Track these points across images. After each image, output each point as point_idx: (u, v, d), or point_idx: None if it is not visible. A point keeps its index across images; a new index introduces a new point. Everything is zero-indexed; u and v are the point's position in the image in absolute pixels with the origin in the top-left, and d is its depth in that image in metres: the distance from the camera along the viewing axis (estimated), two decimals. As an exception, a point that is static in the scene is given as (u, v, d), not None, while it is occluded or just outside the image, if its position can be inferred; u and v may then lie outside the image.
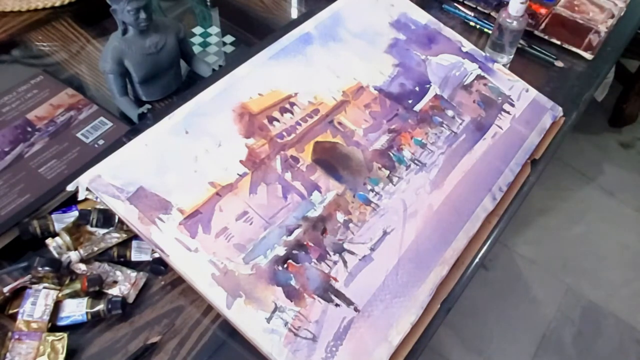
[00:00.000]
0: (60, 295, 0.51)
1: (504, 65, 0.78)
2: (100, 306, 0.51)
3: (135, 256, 0.56)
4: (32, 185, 0.58)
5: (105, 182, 0.51)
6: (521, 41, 0.81)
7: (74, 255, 0.53)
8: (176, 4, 0.88)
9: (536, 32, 0.85)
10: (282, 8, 0.88)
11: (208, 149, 0.56)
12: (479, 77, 0.72)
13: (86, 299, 0.51)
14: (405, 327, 0.51)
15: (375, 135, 0.63)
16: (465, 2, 0.89)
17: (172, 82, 0.72)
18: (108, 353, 0.50)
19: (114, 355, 0.50)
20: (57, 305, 0.51)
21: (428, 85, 0.69)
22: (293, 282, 0.51)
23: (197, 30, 0.83)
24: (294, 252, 0.52)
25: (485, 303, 1.42)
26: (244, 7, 0.87)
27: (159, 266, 0.55)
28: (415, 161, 0.62)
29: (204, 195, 0.53)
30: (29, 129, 0.64)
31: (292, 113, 0.62)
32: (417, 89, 0.68)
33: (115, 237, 0.55)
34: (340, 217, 0.56)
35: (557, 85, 0.79)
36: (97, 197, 0.51)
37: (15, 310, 0.50)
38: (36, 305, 0.50)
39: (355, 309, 0.51)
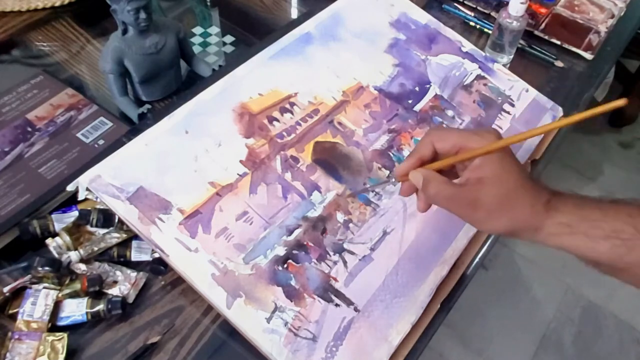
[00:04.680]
0: (60, 295, 0.51)
1: (504, 65, 0.78)
2: (100, 306, 0.51)
3: (135, 256, 0.56)
4: (32, 185, 0.58)
5: (105, 182, 0.51)
6: (521, 41, 0.81)
7: (74, 255, 0.53)
8: (176, 4, 0.88)
9: (536, 32, 0.85)
10: (282, 8, 0.88)
11: (208, 148, 0.56)
12: (479, 77, 0.72)
13: (86, 299, 0.51)
14: (405, 327, 0.51)
15: (375, 135, 0.63)
16: (465, 2, 0.89)
17: (172, 82, 0.72)
18: (108, 353, 0.50)
19: (114, 355, 0.50)
20: (57, 305, 0.51)
21: (428, 85, 0.69)
22: (293, 282, 0.51)
23: (197, 30, 0.83)
24: (294, 252, 0.52)
25: (485, 303, 1.42)
26: (244, 7, 0.87)
27: (159, 266, 0.55)
28: (415, 161, 0.62)
29: (204, 195, 0.53)
30: (29, 129, 0.64)
31: (292, 113, 0.61)
32: (417, 89, 0.68)
33: (115, 237, 0.55)
34: (340, 217, 0.56)
35: (557, 85, 0.79)
36: (97, 197, 0.51)
37: (15, 310, 0.50)
38: (36, 305, 0.50)
39: (355, 309, 0.51)
